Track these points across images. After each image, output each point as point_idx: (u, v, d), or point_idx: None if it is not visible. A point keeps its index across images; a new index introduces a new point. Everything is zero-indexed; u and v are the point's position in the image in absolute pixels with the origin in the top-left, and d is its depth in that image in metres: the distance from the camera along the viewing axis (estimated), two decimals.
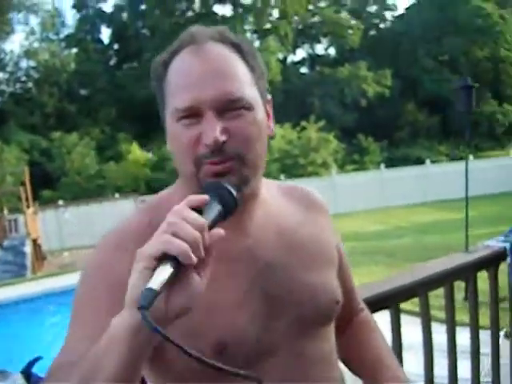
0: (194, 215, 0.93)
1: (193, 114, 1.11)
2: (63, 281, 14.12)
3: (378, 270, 11.39)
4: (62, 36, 42.99)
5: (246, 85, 1.15)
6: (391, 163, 29.94)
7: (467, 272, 2.96)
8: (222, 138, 1.09)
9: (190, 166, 1.13)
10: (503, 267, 3.21)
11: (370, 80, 39.27)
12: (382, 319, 2.73)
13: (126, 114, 37.61)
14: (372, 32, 45.95)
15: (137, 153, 29.74)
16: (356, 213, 24.31)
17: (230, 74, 1.13)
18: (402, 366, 2.53)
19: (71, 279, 14.36)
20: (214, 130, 1.08)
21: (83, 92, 40.31)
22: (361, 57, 40.78)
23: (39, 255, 18.86)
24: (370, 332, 1.54)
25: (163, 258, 0.88)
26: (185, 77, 1.13)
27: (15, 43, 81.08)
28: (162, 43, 38.58)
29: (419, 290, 2.67)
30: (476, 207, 21.76)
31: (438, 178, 25.43)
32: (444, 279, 2.80)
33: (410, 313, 3.86)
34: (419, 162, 29.78)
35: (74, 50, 41.55)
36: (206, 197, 0.99)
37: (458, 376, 2.96)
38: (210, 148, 1.09)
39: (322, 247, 1.34)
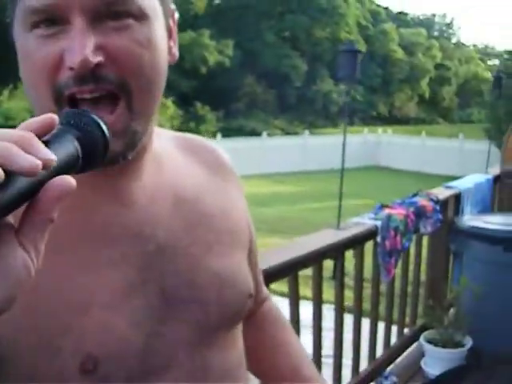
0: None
1: (53, 19, 0.72)
2: None
3: None
4: None
5: None
6: (227, 133, 30.06)
7: (337, 251, 2.76)
8: (96, 58, 0.71)
9: (48, 101, 0.73)
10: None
11: (212, 48, 39.09)
12: None
13: None
14: (217, 1, 45.74)
15: None
16: None
17: None
18: None
19: None
20: (83, 45, 0.70)
21: None
22: (204, 24, 40.43)
23: None
24: (278, 331, 1.20)
25: None
26: None
27: None
28: None
29: (289, 269, 2.42)
30: (312, 181, 22.47)
31: (274, 151, 25.84)
32: (315, 258, 2.58)
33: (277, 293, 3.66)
34: (254, 133, 30.24)
35: None
36: (51, 117, 0.55)
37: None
38: (77, 72, 0.71)
39: (231, 223, 0.98)
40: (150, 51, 0.77)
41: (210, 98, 35.47)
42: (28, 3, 0.71)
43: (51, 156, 0.50)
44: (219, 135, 27.77)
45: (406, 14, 58.18)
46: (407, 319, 3.75)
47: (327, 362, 2.91)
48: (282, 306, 2.26)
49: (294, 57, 40.64)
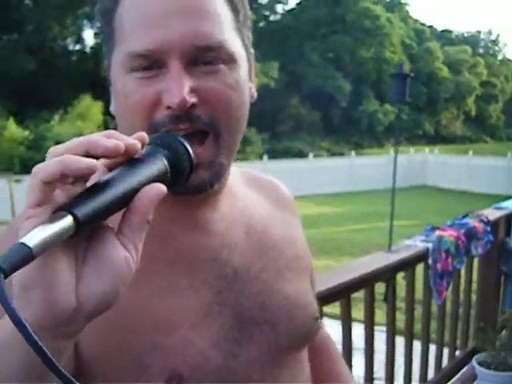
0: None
1: (152, 64, 0.80)
2: None
3: None
4: None
5: (228, 29, 0.84)
6: (273, 155, 30.16)
7: (389, 273, 2.78)
8: (192, 99, 0.78)
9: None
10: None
11: (258, 71, 39.17)
12: None
13: (3, 88, 35.84)
14: (261, 24, 46.11)
15: (13, 129, 28.32)
16: None
17: (206, 11, 0.81)
18: None
19: None
20: (181, 87, 0.77)
21: None
22: None
23: None
24: (330, 358, 1.25)
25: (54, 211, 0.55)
26: (144, 11, 0.81)
27: None
28: (45, 16, 36.98)
29: (341, 293, 2.47)
30: (354, 202, 22.36)
31: (320, 172, 25.79)
32: (366, 282, 2.62)
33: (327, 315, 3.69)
34: (300, 155, 30.26)
35: None
36: (143, 135, 0.64)
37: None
38: (174, 111, 0.78)
39: (297, 251, 1.06)
40: (237, 93, 0.84)
41: (256, 120, 35.47)
42: (130, 48, 0.80)
43: (134, 141, 0.58)
44: (265, 157, 27.88)
45: (451, 32, 57.87)
46: (458, 341, 3.72)
47: None
48: (333, 327, 2.31)
49: (338, 77, 40.68)
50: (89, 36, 74.37)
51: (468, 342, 3.80)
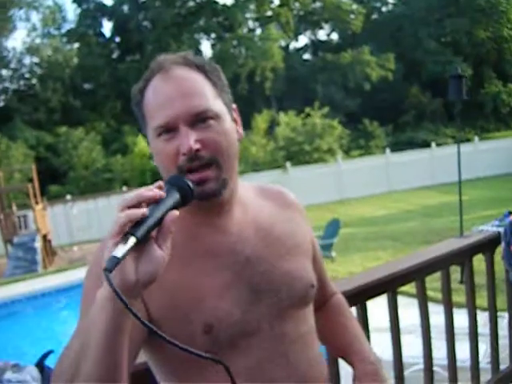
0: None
1: (169, 129, 1.29)
2: (73, 275, 14.25)
3: (385, 254, 11.41)
4: (63, 31, 42.98)
5: (210, 98, 1.33)
6: (397, 147, 29.94)
7: (463, 256, 3.05)
8: (196, 146, 1.26)
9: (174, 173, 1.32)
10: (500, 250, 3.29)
11: (374, 64, 39.18)
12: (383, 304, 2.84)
13: (131, 107, 37.68)
14: (374, 16, 45.77)
15: (142, 145, 29.77)
16: (362, 198, 24.40)
17: (194, 92, 1.31)
18: (400, 347, 2.66)
19: (81, 273, 14.53)
20: (188, 140, 1.26)
21: (87, 86, 40.38)
22: (363, 41, 40.65)
23: (49, 251, 19.02)
24: (340, 315, 1.72)
25: (125, 234, 1.05)
26: (158, 99, 1.31)
27: (17, 40, 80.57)
28: (163, 35, 38.54)
29: (416, 275, 2.78)
30: (482, 188, 21.86)
31: (444, 161, 25.33)
32: (440, 264, 2.90)
33: (408, 294, 3.94)
34: (425, 145, 29.75)
35: (76, 45, 41.52)
36: (161, 184, 1.17)
37: (457, 357, 3.07)
38: (187, 156, 1.26)
39: (297, 241, 1.51)
40: (225, 137, 1.32)
41: (377, 113, 35.44)
42: (154, 124, 1.30)
43: (160, 192, 1.10)
44: (388, 150, 27.80)
45: None
46: None
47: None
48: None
49: (457, 62, 39.63)
50: (206, 47, 76.34)
51: None
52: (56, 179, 30.06)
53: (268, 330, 1.36)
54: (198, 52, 42.41)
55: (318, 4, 44.66)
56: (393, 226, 16.49)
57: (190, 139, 1.25)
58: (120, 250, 1.02)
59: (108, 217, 21.69)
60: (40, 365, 1.77)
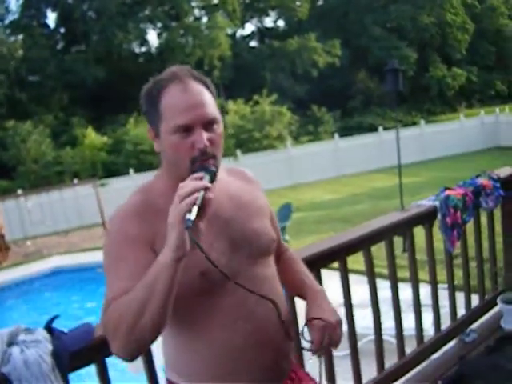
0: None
1: (186, 129, 1.72)
2: (29, 269, 14.26)
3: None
4: (6, 22, 42.14)
5: (214, 108, 1.79)
6: (345, 132, 30.39)
7: (403, 228, 3.38)
8: (207, 143, 1.72)
9: (187, 163, 1.73)
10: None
11: (320, 50, 39.57)
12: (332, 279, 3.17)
13: (78, 98, 37.32)
14: (319, 3, 46.18)
15: (92, 137, 29.61)
16: (313, 183, 24.81)
17: (207, 103, 1.76)
18: (352, 318, 3.03)
19: (37, 267, 14.55)
20: (203, 139, 1.71)
21: (33, 78, 39.65)
22: (309, 28, 41.01)
23: (3, 246, 18.90)
24: (293, 263, 2.20)
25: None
26: (179, 105, 1.73)
27: None
28: (108, 24, 37.99)
29: (363, 244, 3.11)
30: (429, 170, 22.46)
31: (392, 144, 25.68)
32: (384, 235, 3.23)
33: (356, 272, 4.25)
34: (373, 129, 30.25)
35: (21, 37, 40.73)
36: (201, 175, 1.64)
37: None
38: (201, 151, 1.71)
39: (259, 205, 2.01)
40: (221, 138, 1.79)
41: (325, 99, 35.82)
42: (177, 123, 1.71)
43: (204, 182, 1.57)
44: (336, 135, 28.23)
45: None
46: (487, 285, 4.21)
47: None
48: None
49: (402, 47, 40.42)
50: (153, 37, 75.77)
51: (498, 287, 4.28)
52: (5, 174, 29.64)
53: (244, 273, 1.82)
54: (145, 42, 42.21)
55: None
56: (343, 208, 16.94)
57: (204, 138, 1.71)
58: (192, 215, 1.50)
59: (60, 210, 21.66)
60: (48, 327, 2.01)
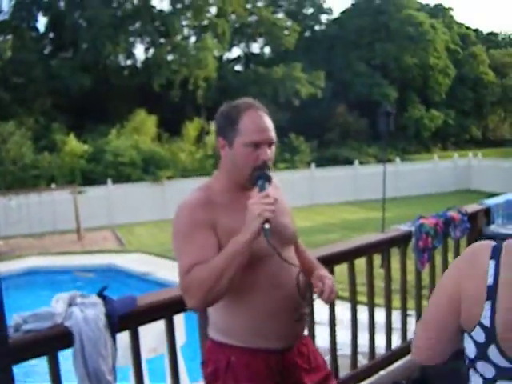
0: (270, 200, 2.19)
1: (256, 144, 2.29)
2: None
3: None
4: None
5: (275, 133, 2.39)
6: (321, 163, 30.88)
7: (382, 247, 3.92)
8: (268, 157, 2.32)
9: (250, 169, 2.30)
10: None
11: (304, 81, 40.11)
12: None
13: (62, 104, 37.40)
14: (307, 34, 46.89)
15: (73, 144, 29.75)
16: None
17: (272, 129, 2.38)
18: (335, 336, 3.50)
19: (7, 266, 14.78)
20: (267, 155, 2.32)
21: (18, 80, 39.67)
22: (295, 57, 41.61)
23: None
24: (305, 252, 2.78)
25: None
26: (257, 127, 2.32)
27: None
28: (99, 35, 38.19)
29: (347, 256, 3.64)
30: (401, 206, 23.09)
31: (367, 179, 26.48)
32: (365, 251, 3.76)
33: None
34: (348, 162, 30.81)
35: (10, 37, 40.77)
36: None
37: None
38: (265, 163, 2.30)
39: (285, 207, 2.58)
40: (273, 155, 2.39)
41: (304, 128, 36.24)
42: (250, 139, 2.30)
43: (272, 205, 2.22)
44: (313, 165, 28.80)
45: (497, 35, 56.97)
46: None
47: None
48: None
49: (384, 85, 41.26)
50: (139, 51, 76.10)
51: None
52: None
53: (279, 254, 2.28)
54: (131, 55, 42.55)
55: (253, 17, 45.45)
56: (315, 236, 17.40)
57: (268, 153, 2.31)
58: (266, 225, 2.14)
59: (38, 213, 21.77)
60: (100, 294, 2.49)
